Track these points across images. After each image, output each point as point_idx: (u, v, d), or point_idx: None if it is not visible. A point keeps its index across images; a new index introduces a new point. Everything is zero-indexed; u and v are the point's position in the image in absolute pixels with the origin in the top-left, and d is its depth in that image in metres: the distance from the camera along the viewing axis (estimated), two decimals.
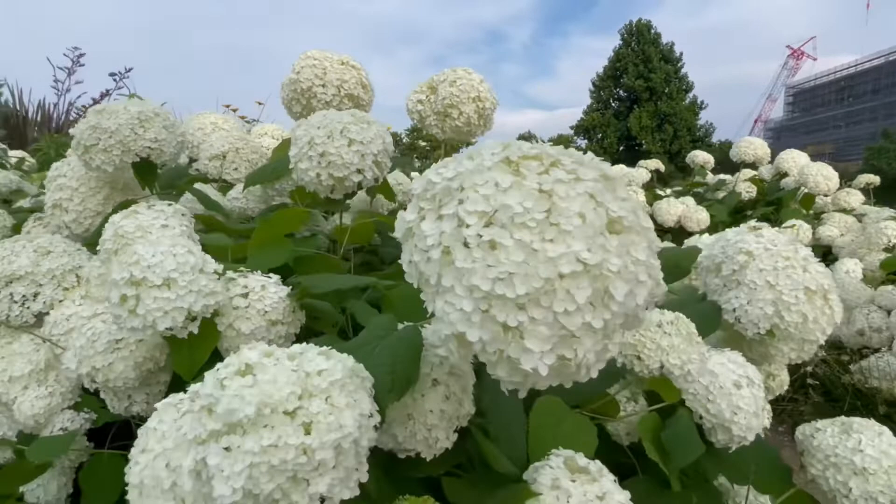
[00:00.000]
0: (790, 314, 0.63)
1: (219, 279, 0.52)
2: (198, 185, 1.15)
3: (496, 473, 0.47)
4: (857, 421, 0.65)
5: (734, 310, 0.66)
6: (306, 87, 0.99)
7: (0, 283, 0.72)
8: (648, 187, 3.00)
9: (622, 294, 0.31)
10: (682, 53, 31.08)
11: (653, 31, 32.07)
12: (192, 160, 1.29)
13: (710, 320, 0.69)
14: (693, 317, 0.71)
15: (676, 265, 0.85)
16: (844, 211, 2.60)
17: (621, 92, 32.18)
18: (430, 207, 0.34)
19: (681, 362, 0.55)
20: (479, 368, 0.54)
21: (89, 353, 0.55)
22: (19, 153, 2.08)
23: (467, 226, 0.32)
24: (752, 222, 0.74)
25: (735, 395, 0.59)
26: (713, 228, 2.70)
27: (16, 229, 0.96)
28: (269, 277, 0.58)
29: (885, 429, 0.64)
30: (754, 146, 2.69)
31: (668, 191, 3.27)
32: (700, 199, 2.97)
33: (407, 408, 0.42)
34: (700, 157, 3.29)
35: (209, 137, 1.18)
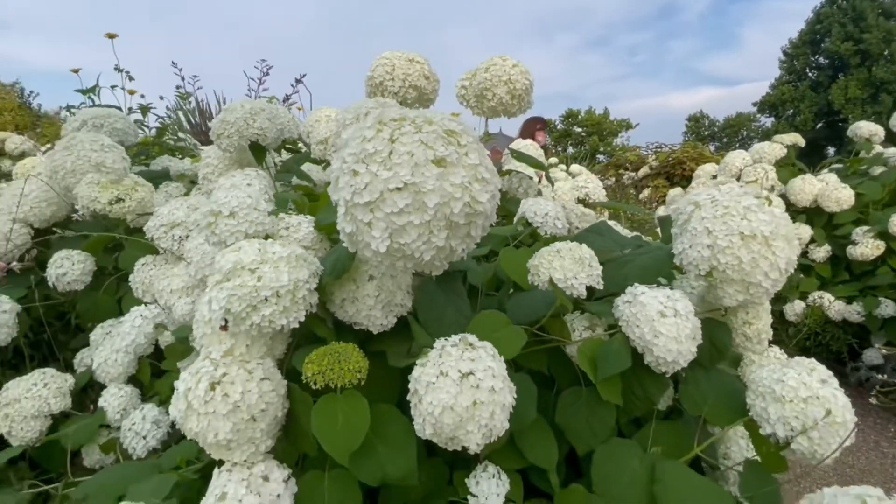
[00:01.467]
0: (724, 256, 0.70)
1: (268, 215, 0.79)
2: (308, 165, 1.48)
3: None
4: (797, 359, 0.70)
5: (679, 253, 0.74)
6: (379, 82, 1.24)
7: (167, 227, 1.09)
8: (785, 164, 2.73)
9: (433, 203, 0.49)
10: None
11: None
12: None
13: (663, 264, 0.78)
14: (650, 261, 0.80)
15: None
16: None
17: (821, 59, 27.49)
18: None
19: (564, 277, 0.67)
20: (424, 279, 0.73)
21: (201, 266, 0.86)
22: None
23: (345, 162, 0.52)
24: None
25: (658, 321, 0.69)
26: (861, 209, 2.39)
27: (186, 195, 1.37)
28: (307, 218, 0.83)
29: (820, 367, 0.68)
30: None
31: (826, 170, 2.92)
32: (856, 177, 2.63)
33: (352, 293, 0.64)
34: (864, 128, 2.87)
35: (318, 126, 1.50)
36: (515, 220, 0.96)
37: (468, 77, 1.19)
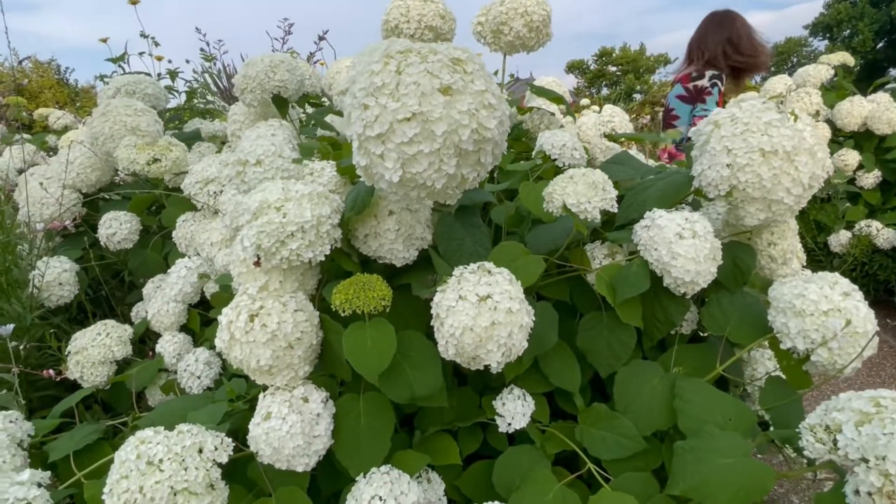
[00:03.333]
0: (744, 174, 0.69)
1: (292, 162, 0.82)
2: (331, 116, 1.50)
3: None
4: (820, 274, 0.69)
5: (698, 175, 0.74)
6: (394, 25, 1.23)
7: (202, 183, 1.14)
8: (832, 88, 2.56)
9: (441, 131, 0.50)
10: None
11: None
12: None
13: (682, 187, 0.78)
14: (669, 185, 0.80)
15: None
16: None
17: None
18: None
19: (577, 202, 0.68)
20: (442, 214, 0.75)
21: (235, 216, 0.91)
22: None
23: (356, 97, 0.53)
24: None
25: (675, 243, 0.70)
26: None
27: (218, 154, 1.42)
28: (330, 163, 0.86)
29: (843, 280, 0.67)
30: None
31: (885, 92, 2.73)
32: None
33: (374, 228, 0.67)
34: None
35: (339, 77, 1.51)
36: (534, 153, 0.96)
37: (484, 13, 1.17)
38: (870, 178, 2.33)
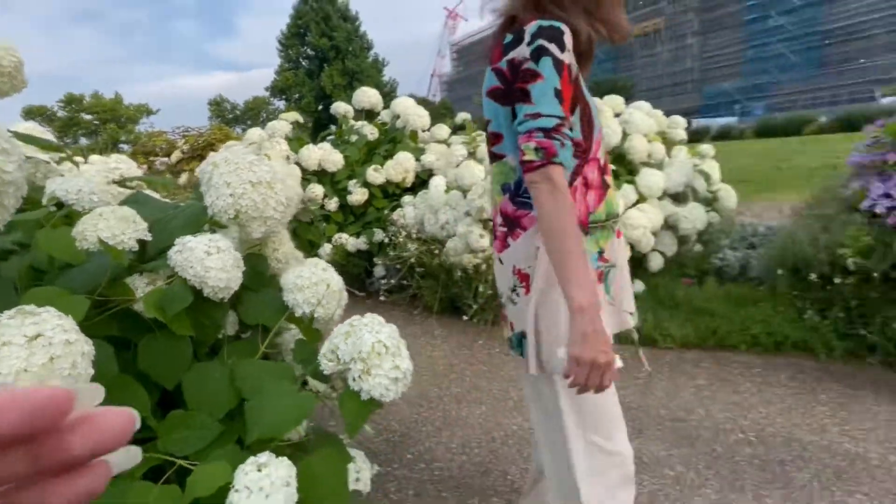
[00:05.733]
0: (244, 200, 0.94)
1: None
2: None
3: None
4: (310, 260, 1.03)
5: (210, 205, 0.94)
6: None
7: None
8: (296, 137, 3.31)
9: None
10: (358, 12, 32.43)
11: None
12: None
13: (201, 215, 0.97)
14: (191, 215, 0.97)
15: None
16: (438, 141, 3.39)
17: (309, 50, 32.23)
18: None
19: (113, 235, 0.80)
20: None
21: None
22: None
23: None
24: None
25: (206, 259, 0.88)
26: (350, 167, 3.19)
27: None
28: None
29: (322, 262, 1.02)
30: (368, 95, 3.25)
31: (324, 141, 3.65)
32: (343, 144, 3.44)
33: None
34: (341, 107, 3.74)
35: None
36: (45, 201, 0.93)
37: None
38: (332, 204, 3.17)
